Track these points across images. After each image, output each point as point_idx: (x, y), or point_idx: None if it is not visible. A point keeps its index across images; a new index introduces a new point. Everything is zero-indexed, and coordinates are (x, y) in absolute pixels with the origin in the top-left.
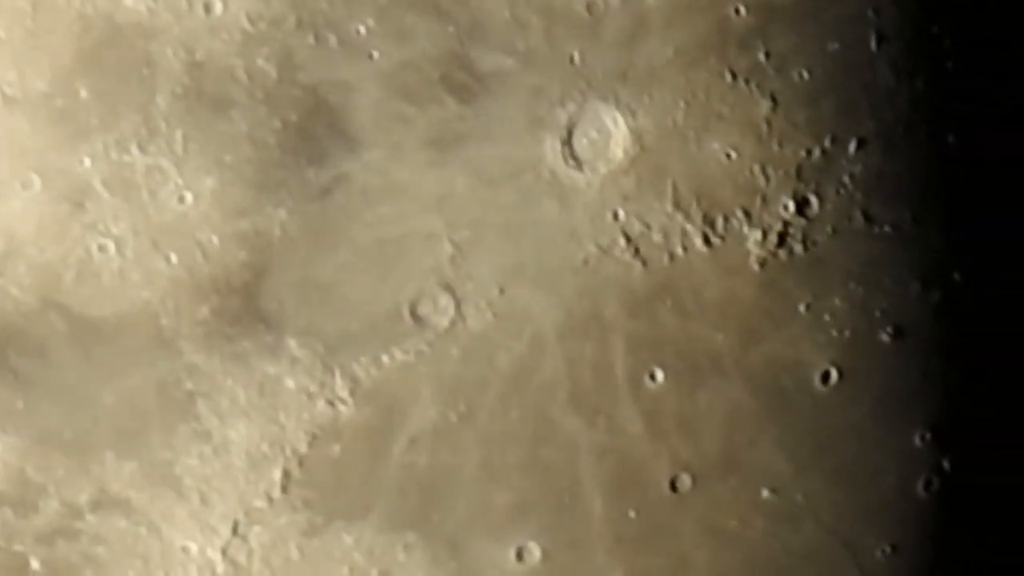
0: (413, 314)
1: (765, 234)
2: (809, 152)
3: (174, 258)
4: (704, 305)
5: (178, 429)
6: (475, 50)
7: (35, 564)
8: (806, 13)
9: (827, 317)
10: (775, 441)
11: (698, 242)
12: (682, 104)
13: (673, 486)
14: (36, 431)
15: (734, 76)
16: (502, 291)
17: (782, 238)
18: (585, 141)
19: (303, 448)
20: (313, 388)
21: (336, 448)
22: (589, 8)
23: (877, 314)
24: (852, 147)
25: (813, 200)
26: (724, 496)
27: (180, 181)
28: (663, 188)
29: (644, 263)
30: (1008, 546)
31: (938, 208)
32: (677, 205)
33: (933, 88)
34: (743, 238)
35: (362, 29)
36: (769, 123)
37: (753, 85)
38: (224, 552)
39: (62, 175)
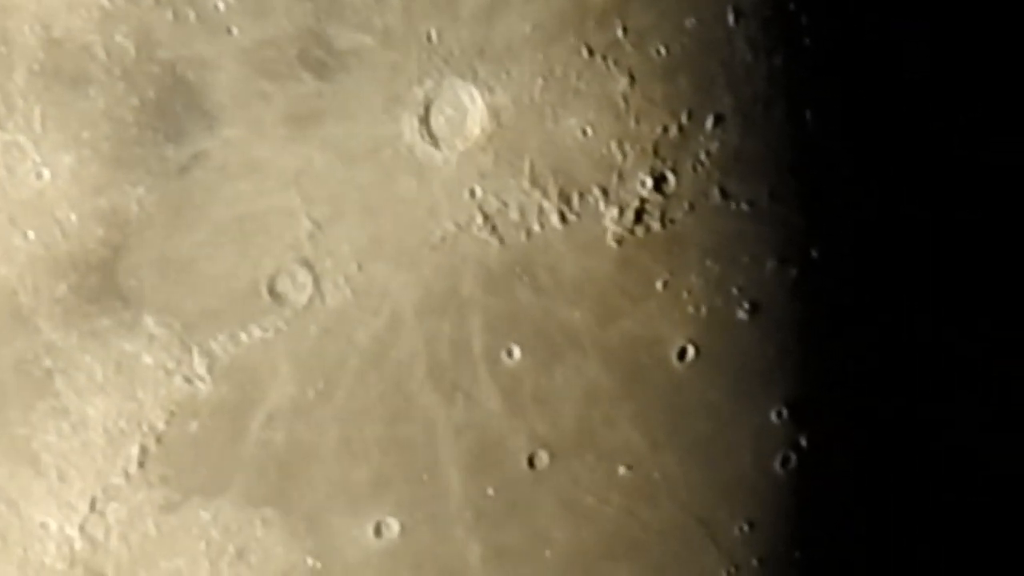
0: (271, 291)
1: (622, 211)
2: (666, 129)
3: (32, 235)
4: (561, 282)
5: (36, 406)
6: (333, 27)
7: None
8: None
9: (684, 294)
10: (632, 418)
11: (555, 219)
12: (539, 81)
13: (530, 462)
14: None
15: (591, 52)
16: (360, 268)
17: (639, 215)
18: (442, 118)
19: (160, 425)
20: (171, 365)
21: (194, 424)
22: None
23: (734, 291)
24: (709, 123)
25: (670, 177)
26: (581, 472)
27: (38, 158)
28: (520, 165)
29: (501, 240)
30: (864, 521)
31: (795, 185)
32: (534, 182)
33: (790, 65)
34: (600, 215)
35: (221, 5)
36: (626, 99)
37: (610, 61)
38: (82, 528)
39: None
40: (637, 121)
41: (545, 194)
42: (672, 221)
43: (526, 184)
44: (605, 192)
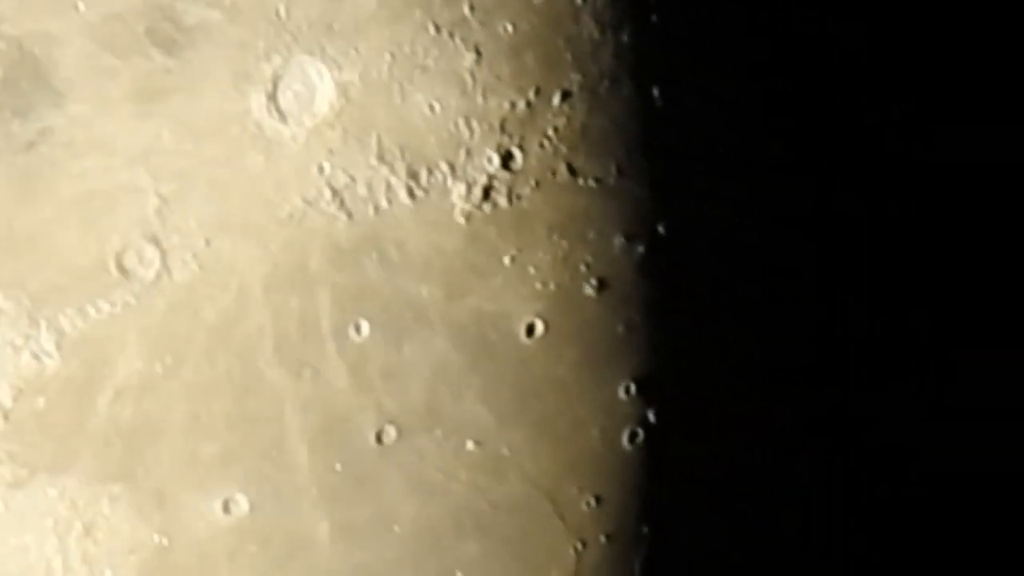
0: (119, 266)
1: (469, 187)
2: (513, 105)
3: None
4: (409, 258)
5: None
6: (181, 3)
7: None
8: None
9: (532, 270)
10: (480, 393)
11: (403, 195)
12: (387, 57)
13: (378, 438)
14: None
15: (438, 29)
16: (208, 243)
17: (486, 191)
18: (290, 94)
19: (8, 401)
20: (18, 341)
21: (41, 401)
22: None
23: (581, 267)
24: (556, 100)
25: (517, 153)
26: (429, 448)
27: None
28: (368, 141)
29: (349, 216)
30: (712, 497)
31: (642, 162)
32: (382, 158)
33: (637, 41)
34: (448, 191)
35: None
36: (473, 76)
37: (457, 38)
38: None
39: None
40: (484, 98)
41: (393, 170)
42: (519, 197)
43: (374, 160)
44: (453, 168)
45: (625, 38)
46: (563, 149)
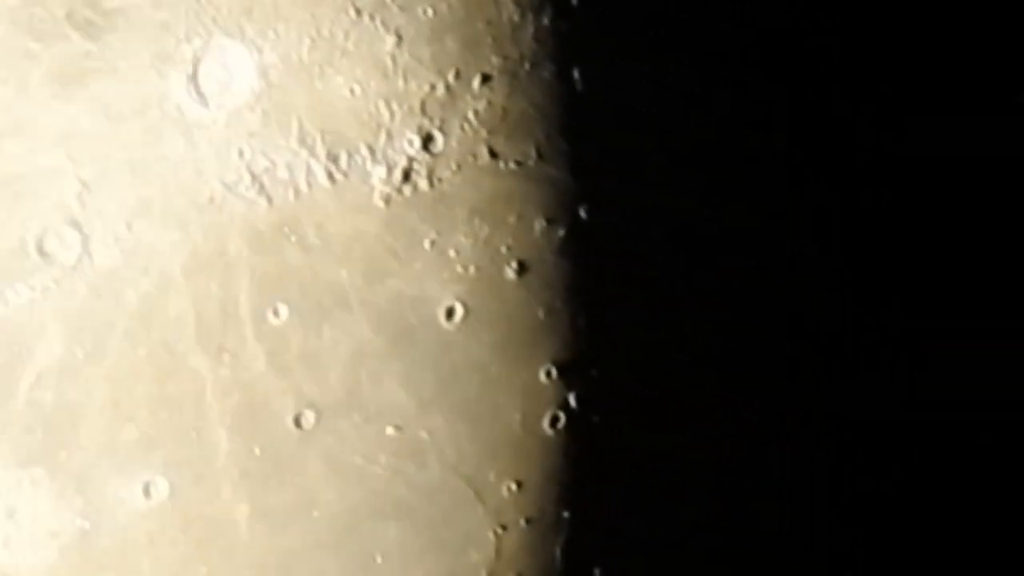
0: (39, 250)
1: (390, 170)
2: (433, 88)
3: None
4: (329, 241)
5: None
6: None
7: None
8: None
9: (452, 253)
10: (399, 377)
11: (323, 178)
12: (307, 40)
13: (297, 422)
14: None
15: (359, 12)
16: (129, 227)
17: (407, 174)
18: (211, 77)
19: None
20: None
21: None
22: None
23: (502, 250)
24: (476, 83)
25: (438, 136)
26: (348, 432)
27: None
28: (288, 124)
29: (269, 200)
30: (634, 480)
31: (562, 145)
32: (302, 141)
33: (557, 24)
34: (368, 174)
35: None
36: (394, 59)
37: (378, 21)
38: None
39: None
40: (405, 81)
41: (313, 153)
42: (440, 180)
43: (294, 143)
44: (373, 151)
45: (545, 21)
46: (483, 132)
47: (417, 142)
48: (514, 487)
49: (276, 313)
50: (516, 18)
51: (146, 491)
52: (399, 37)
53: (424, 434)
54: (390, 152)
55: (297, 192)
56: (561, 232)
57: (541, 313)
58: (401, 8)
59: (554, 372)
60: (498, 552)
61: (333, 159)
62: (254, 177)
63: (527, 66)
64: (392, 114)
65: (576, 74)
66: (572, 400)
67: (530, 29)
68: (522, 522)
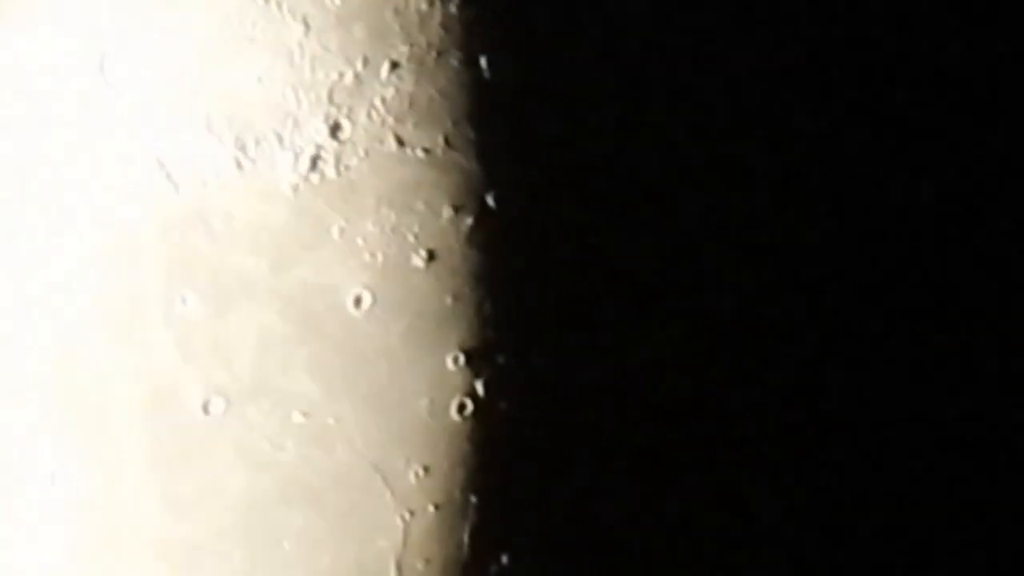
0: None
1: (297, 158)
2: (341, 76)
3: None
4: (236, 229)
5: None
6: None
7: None
8: None
9: (360, 241)
10: (307, 365)
11: (230, 166)
12: (214, 28)
13: (205, 409)
14: None
15: (266, 0)
16: None
17: (314, 162)
18: (118, 65)
19: None
20: None
21: None
22: None
23: (410, 238)
24: (384, 71)
25: (345, 124)
26: (256, 419)
27: None
28: (195, 112)
29: (176, 188)
30: (541, 466)
31: (470, 132)
32: (209, 129)
33: (465, 12)
34: (275, 162)
35: None
36: (301, 47)
37: (285, 9)
38: None
39: None
40: (312, 69)
41: (221, 141)
42: (347, 168)
43: (202, 131)
44: (280, 139)
45: (453, 9)
46: (391, 120)
47: (324, 130)
48: (422, 473)
49: (184, 301)
50: (424, 6)
51: (51, 480)
52: (307, 25)
53: (331, 421)
54: (297, 140)
55: (204, 180)
56: (469, 220)
57: (449, 300)
58: None
59: (461, 359)
60: (406, 538)
61: (241, 147)
62: (161, 166)
63: (434, 54)
64: (299, 102)
65: (483, 62)
66: (479, 387)
67: (438, 17)
68: (430, 508)
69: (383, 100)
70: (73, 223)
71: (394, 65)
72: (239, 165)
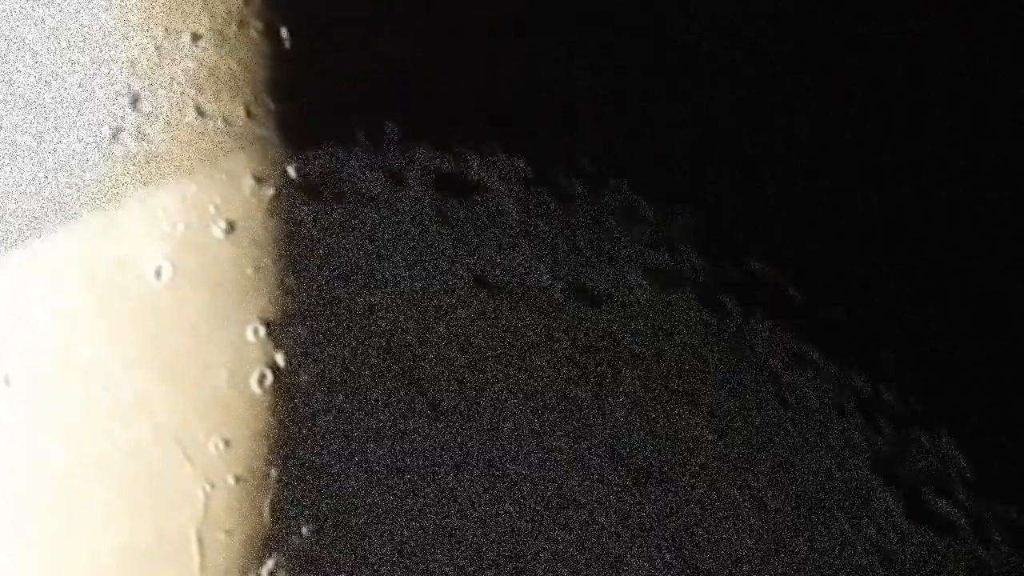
0: None
1: (98, 129)
2: (143, 48)
3: None
4: None
5: None
6: None
7: None
8: None
9: (160, 212)
10: (107, 337)
11: (30, 139)
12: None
13: (7, 381)
14: None
15: None
16: None
17: (116, 134)
18: None
19: None
20: None
21: None
22: None
23: (210, 209)
24: (186, 42)
25: (146, 95)
26: (59, 393)
27: None
28: None
29: None
30: (343, 438)
31: (270, 103)
32: None
33: None
34: (77, 133)
35: None
36: (103, 20)
37: None
38: None
39: None
40: (113, 41)
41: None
42: (148, 139)
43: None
44: (80, 110)
45: None
46: (191, 91)
47: (125, 102)
48: (222, 445)
49: None
50: None
51: None
52: None
53: (130, 393)
54: (99, 111)
55: None
56: (269, 190)
57: (249, 271)
58: None
59: (261, 330)
60: (207, 510)
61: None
62: None
63: (234, 26)
64: (100, 74)
65: (284, 33)
66: (279, 358)
67: None
68: (231, 480)
69: (184, 71)
70: None
71: (195, 37)
72: (39, 137)
